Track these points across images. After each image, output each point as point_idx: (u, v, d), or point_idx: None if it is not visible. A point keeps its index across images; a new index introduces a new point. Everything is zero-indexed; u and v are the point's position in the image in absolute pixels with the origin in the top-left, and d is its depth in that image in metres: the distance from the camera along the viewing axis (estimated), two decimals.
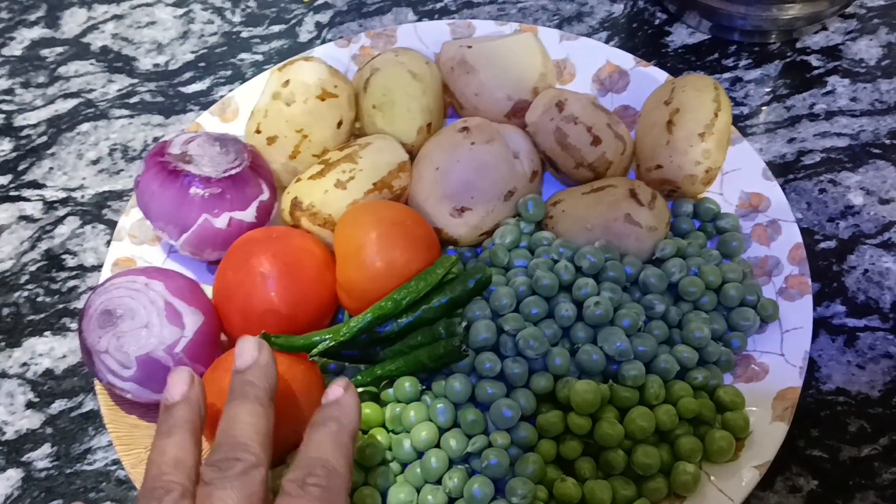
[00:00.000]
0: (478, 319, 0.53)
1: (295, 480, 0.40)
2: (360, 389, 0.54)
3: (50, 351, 0.61)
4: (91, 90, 0.75)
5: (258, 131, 0.61)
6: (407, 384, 0.52)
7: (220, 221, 0.57)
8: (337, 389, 0.44)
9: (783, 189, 0.64)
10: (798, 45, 0.72)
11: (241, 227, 0.58)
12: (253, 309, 0.54)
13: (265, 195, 0.59)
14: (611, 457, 0.50)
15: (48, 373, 0.60)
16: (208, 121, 0.67)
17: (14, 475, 0.56)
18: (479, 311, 0.53)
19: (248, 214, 0.58)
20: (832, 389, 0.56)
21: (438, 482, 0.50)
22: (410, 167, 0.61)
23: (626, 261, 0.56)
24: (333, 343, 0.52)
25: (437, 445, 0.51)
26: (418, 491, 0.50)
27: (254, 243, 0.55)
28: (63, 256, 0.66)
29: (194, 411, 0.43)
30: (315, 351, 0.52)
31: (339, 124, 0.62)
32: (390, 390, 0.53)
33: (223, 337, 0.56)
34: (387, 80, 0.62)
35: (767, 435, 0.51)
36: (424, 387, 0.54)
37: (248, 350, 0.45)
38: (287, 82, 0.61)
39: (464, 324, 0.53)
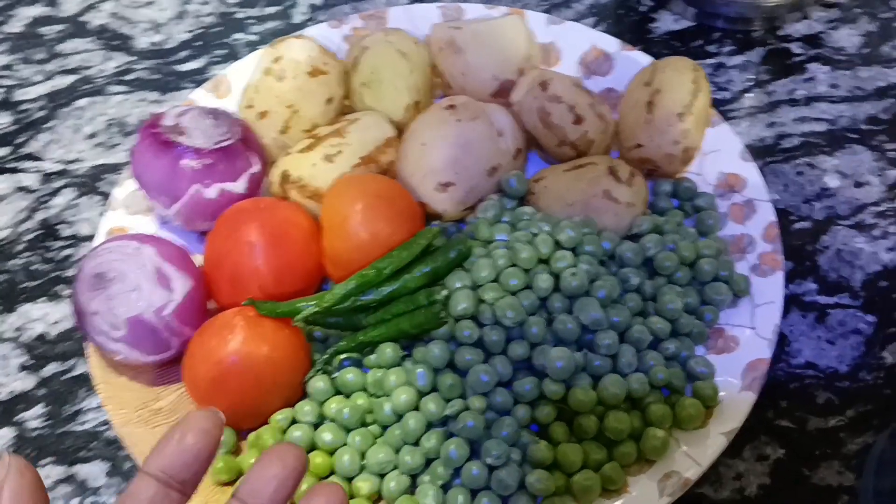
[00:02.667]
0: (458, 289, 0.54)
1: None
2: (343, 355, 0.55)
3: (44, 316, 0.63)
4: (89, 67, 0.77)
5: (250, 106, 0.63)
6: (388, 350, 0.54)
7: (211, 192, 0.58)
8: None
9: (762, 171, 0.65)
10: (780, 32, 0.74)
11: (231, 199, 0.59)
12: (240, 277, 0.56)
13: (255, 167, 0.60)
14: (583, 422, 0.51)
15: (42, 337, 0.62)
16: (202, 97, 0.68)
17: (7, 433, 0.58)
18: (459, 281, 0.55)
19: (239, 186, 0.59)
20: (802, 363, 0.58)
21: (417, 443, 0.52)
22: (397, 143, 0.62)
23: (603, 235, 0.57)
24: (317, 309, 0.54)
25: (417, 409, 0.53)
26: (397, 452, 0.52)
27: (242, 213, 0.57)
28: (58, 226, 0.67)
29: None
30: (299, 316, 0.54)
31: (329, 101, 0.63)
32: (373, 356, 0.55)
33: (211, 304, 0.58)
34: (376, 59, 0.64)
35: (736, 404, 0.53)
36: (406, 353, 0.55)
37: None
38: (278, 59, 0.62)
39: (444, 293, 0.54)
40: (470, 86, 0.65)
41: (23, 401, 0.59)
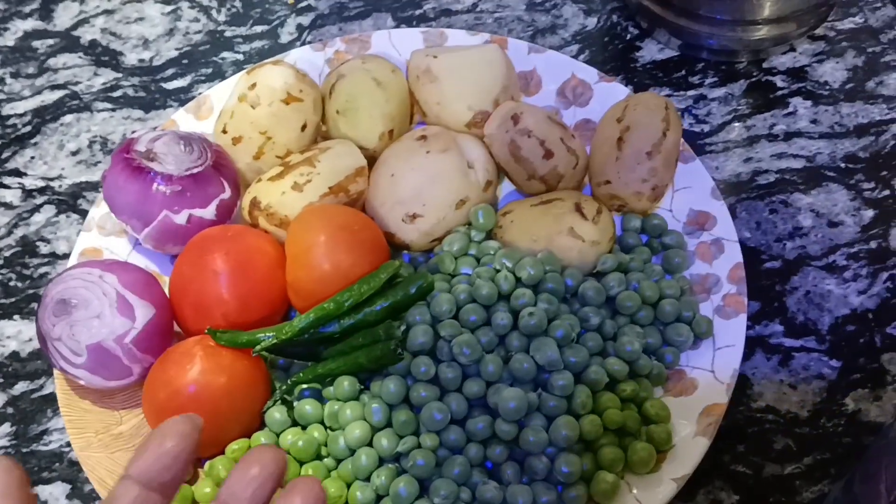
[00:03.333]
0: (416, 324, 0.55)
1: None
2: (304, 386, 0.56)
3: (17, 334, 0.64)
4: (77, 82, 0.78)
5: (224, 131, 0.64)
6: (346, 383, 0.55)
7: (181, 218, 0.59)
8: None
9: (735, 208, 0.65)
10: (765, 65, 0.73)
11: (201, 224, 0.60)
12: (204, 304, 0.56)
13: (226, 194, 0.61)
14: (534, 463, 0.52)
15: (14, 355, 0.63)
16: (183, 118, 0.69)
17: None
18: (419, 315, 0.55)
19: (209, 212, 0.60)
20: (762, 407, 0.57)
21: (368, 479, 0.53)
22: (368, 172, 0.63)
23: (567, 273, 0.57)
24: (276, 340, 0.54)
25: (370, 444, 0.53)
26: (349, 487, 0.53)
27: (209, 240, 0.58)
28: (37, 243, 0.68)
29: None
30: (258, 347, 0.55)
31: (304, 127, 0.64)
32: (332, 388, 0.55)
33: (177, 328, 0.59)
34: (351, 87, 0.64)
35: (690, 449, 0.53)
36: (364, 386, 0.56)
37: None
38: (254, 85, 0.63)
39: (402, 327, 0.55)
40: (444, 115, 0.65)
41: None
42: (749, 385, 0.58)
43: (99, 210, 0.64)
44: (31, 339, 0.63)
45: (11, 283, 0.66)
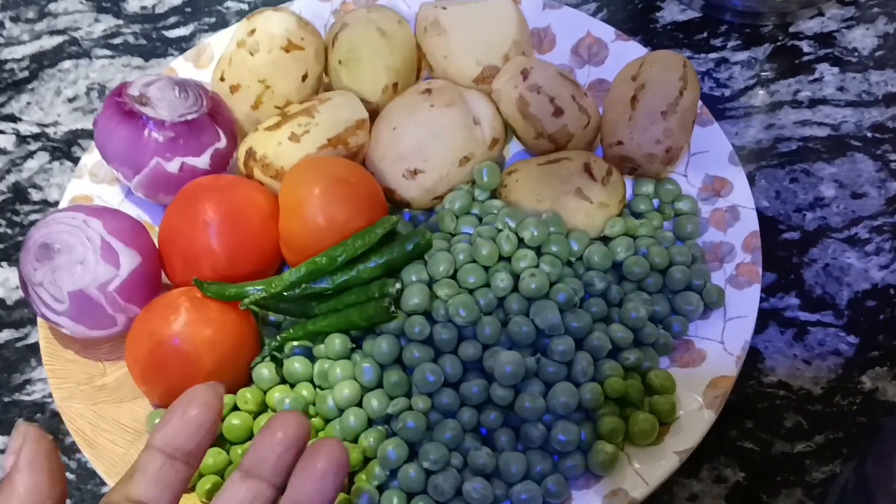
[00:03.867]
0: (412, 283, 0.52)
1: None
2: (293, 343, 0.54)
3: (4, 281, 0.62)
4: (77, 28, 0.75)
5: (222, 79, 0.61)
6: (337, 341, 0.52)
7: (172, 166, 0.57)
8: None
9: (754, 176, 0.62)
10: (791, 29, 0.70)
11: (194, 173, 0.58)
12: (193, 255, 0.54)
13: (222, 143, 0.58)
14: (530, 430, 0.49)
15: (0, 302, 0.61)
16: (182, 66, 0.67)
17: None
18: (414, 274, 0.53)
19: (202, 161, 0.58)
20: (773, 382, 0.55)
21: (356, 440, 0.50)
22: (369, 125, 0.60)
23: (572, 235, 0.55)
24: (265, 294, 0.52)
25: (360, 405, 0.51)
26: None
27: (200, 190, 0.55)
28: (29, 190, 0.66)
29: None
30: (247, 301, 0.52)
31: (304, 77, 0.61)
32: (323, 346, 0.53)
33: (165, 279, 0.56)
34: (354, 37, 0.61)
35: (695, 422, 0.50)
36: (356, 345, 0.53)
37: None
38: (253, 31, 0.60)
39: (398, 286, 0.52)
40: (452, 69, 0.62)
41: None
42: (761, 359, 0.55)
43: (91, 157, 0.62)
44: (17, 287, 0.62)
45: (1, 230, 0.64)
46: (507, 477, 0.48)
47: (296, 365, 0.53)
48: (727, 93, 0.67)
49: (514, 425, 0.51)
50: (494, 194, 0.59)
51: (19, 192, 0.66)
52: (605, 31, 0.65)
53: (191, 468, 0.31)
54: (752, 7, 0.69)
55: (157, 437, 0.31)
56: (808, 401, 0.54)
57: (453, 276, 0.53)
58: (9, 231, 0.64)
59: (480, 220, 0.57)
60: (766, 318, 0.57)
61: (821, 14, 0.70)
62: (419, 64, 0.65)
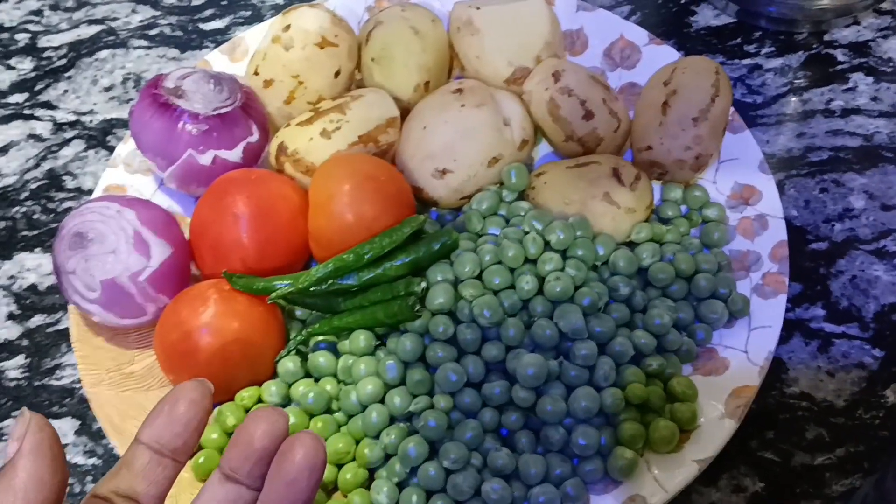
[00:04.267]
0: (437, 282, 0.53)
1: None
2: (319, 338, 0.54)
3: (38, 267, 0.63)
4: (115, 18, 0.76)
5: (256, 73, 0.62)
6: (362, 338, 0.53)
7: (205, 158, 0.58)
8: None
9: (784, 185, 0.62)
10: (826, 37, 0.69)
11: (226, 166, 0.58)
12: (223, 247, 0.55)
13: (254, 137, 0.59)
14: (550, 433, 0.50)
15: (32, 287, 0.62)
16: (217, 59, 0.68)
17: None
18: (440, 274, 0.53)
19: (234, 154, 0.58)
20: (796, 393, 0.55)
21: (377, 437, 0.51)
22: (400, 123, 0.60)
23: (598, 240, 0.55)
24: (293, 289, 0.53)
25: (382, 401, 0.52)
26: (357, 443, 0.51)
27: (231, 183, 0.56)
28: (64, 177, 0.67)
29: None
30: (274, 295, 0.53)
31: (337, 74, 0.62)
32: (347, 342, 0.54)
33: (195, 270, 0.57)
34: (388, 35, 0.62)
35: (715, 431, 0.50)
36: (380, 342, 0.54)
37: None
38: (288, 27, 0.61)
39: (423, 284, 0.52)
40: (483, 69, 0.63)
41: (6, 350, 0.60)
42: (784, 369, 0.55)
43: (126, 147, 0.63)
44: (50, 273, 0.63)
45: (35, 216, 0.66)
46: (527, 479, 0.49)
47: (320, 360, 0.53)
48: (759, 100, 0.67)
49: (534, 427, 0.51)
50: (522, 196, 0.59)
51: (54, 179, 0.67)
52: (639, 35, 0.65)
53: (178, 464, 0.31)
54: (787, 14, 0.69)
55: (145, 433, 0.30)
56: (831, 413, 0.54)
57: (479, 277, 0.53)
58: (43, 217, 0.65)
59: (507, 221, 0.57)
60: (790, 328, 0.57)
61: (856, 23, 0.69)
62: (451, 63, 0.66)
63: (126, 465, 0.30)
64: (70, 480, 0.54)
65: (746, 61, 0.69)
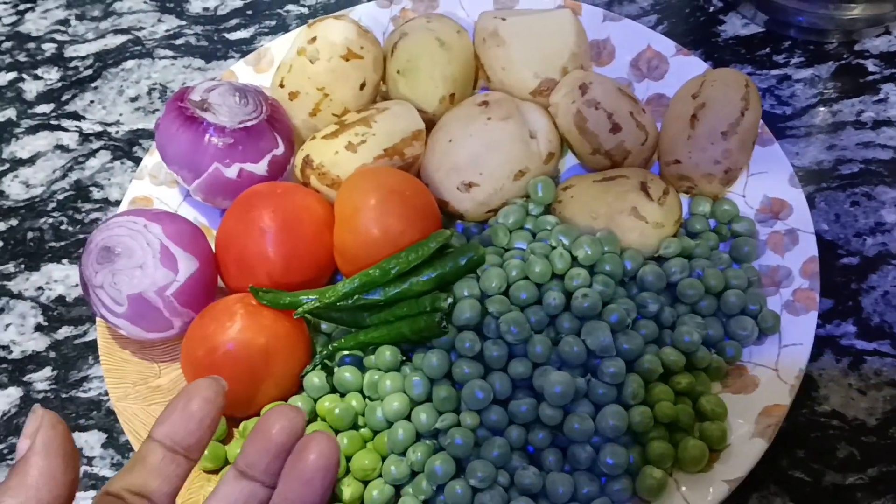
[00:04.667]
0: (464, 298, 0.52)
1: None
2: (344, 353, 0.54)
3: (65, 278, 0.63)
4: (141, 28, 0.77)
5: (282, 85, 0.62)
6: (388, 353, 0.53)
7: (231, 171, 0.58)
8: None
9: (814, 198, 0.61)
10: (857, 47, 0.68)
11: (252, 179, 0.58)
12: (248, 261, 0.55)
13: (280, 149, 0.59)
14: (577, 452, 0.49)
15: (60, 299, 0.62)
16: (242, 70, 0.68)
17: (14, 393, 0.59)
18: (467, 289, 0.53)
19: (260, 167, 0.58)
20: (827, 411, 0.54)
21: (403, 454, 0.51)
22: (425, 136, 0.60)
23: (626, 255, 0.54)
24: (318, 304, 0.53)
25: (409, 418, 0.51)
26: (384, 460, 0.51)
27: (257, 197, 0.56)
28: (90, 188, 0.68)
29: None
30: (301, 310, 0.53)
31: (363, 86, 0.61)
32: (373, 357, 0.54)
33: (221, 283, 0.57)
34: (413, 46, 0.61)
35: (745, 450, 0.49)
36: (406, 357, 0.54)
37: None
38: (314, 39, 0.61)
39: (449, 300, 0.52)
40: (509, 81, 0.62)
41: (34, 362, 0.60)
42: (815, 387, 0.55)
43: (152, 158, 0.63)
44: (77, 285, 0.63)
45: (62, 227, 0.66)
46: (554, 498, 0.48)
47: (346, 375, 0.53)
48: (788, 111, 0.66)
49: (561, 446, 0.50)
50: (549, 209, 0.59)
51: (81, 190, 0.67)
52: (666, 45, 0.65)
53: (191, 462, 0.31)
54: (818, 24, 0.68)
55: (158, 430, 0.31)
56: (862, 432, 0.53)
57: (505, 293, 0.53)
58: (70, 228, 0.66)
59: (534, 235, 0.57)
60: (821, 345, 0.56)
61: (888, 32, 0.68)
62: (476, 74, 0.65)
63: (139, 461, 0.30)
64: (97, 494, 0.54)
65: (775, 72, 0.68)
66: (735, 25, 0.71)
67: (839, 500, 0.51)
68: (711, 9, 0.72)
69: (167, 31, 0.76)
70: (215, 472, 0.52)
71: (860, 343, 0.56)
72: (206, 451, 0.51)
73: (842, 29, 0.68)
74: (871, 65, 0.67)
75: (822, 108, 0.66)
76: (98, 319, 0.57)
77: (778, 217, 0.57)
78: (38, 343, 0.61)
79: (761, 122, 0.59)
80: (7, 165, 0.69)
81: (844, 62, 0.68)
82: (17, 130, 0.71)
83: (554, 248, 0.54)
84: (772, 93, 0.67)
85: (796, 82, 0.67)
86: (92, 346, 0.60)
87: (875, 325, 0.57)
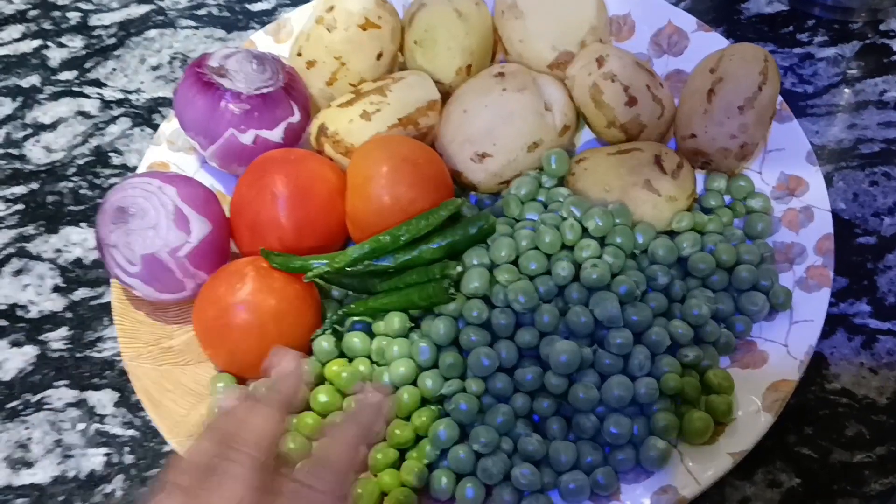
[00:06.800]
0: (473, 266, 0.52)
1: (298, 481, 0.37)
2: (354, 318, 0.55)
3: (83, 241, 0.64)
4: None
5: (299, 54, 0.62)
6: (396, 319, 0.53)
7: (246, 138, 0.58)
8: (375, 395, 0.43)
9: (832, 176, 0.61)
10: (882, 27, 0.67)
11: (267, 146, 0.59)
12: (260, 226, 0.55)
13: (295, 117, 0.59)
14: (582, 421, 0.49)
15: (77, 261, 0.63)
16: (262, 40, 0.68)
17: (30, 352, 0.60)
18: (476, 258, 0.53)
19: (275, 134, 0.59)
20: (837, 389, 0.53)
21: (408, 418, 0.51)
22: (440, 107, 0.60)
23: (638, 228, 0.54)
24: (329, 268, 0.53)
25: (415, 383, 0.52)
26: (388, 424, 0.51)
27: (270, 162, 0.56)
28: (110, 154, 0.68)
29: (232, 420, 0.40)
30: (311, 274, 0.53)
31: (379, 56, 0.61)
32: (382, 323, 0.54)
33: (234, 248, 0.58)
34: (431, 17, 0.61)
35: (751, 424, 0.49)
36: (414, 325, 0.54)
37: (280, 361, 0.44)
38: (332, 8, 0.61)
39: (459, 268, 0.52)
40: (527, 54, 0.62)
41: (50, 321, 0.61)
42: (825, 365, 0.54)
43: (170, 125, 0.64)
44: (94, 248, 0.64)
45: (82, 192, 0.67)
46: (557, 465, 0.48)
47: (355, 340, 0.54)
48: (810, 90, 0.65)
49: (566, 415, 0.51)
50: (562, 182, 0.59)
51: (101, 156, 0.68)
52: (687, 21, 0.64)
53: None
54: (843, 2, 0.67)
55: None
56: (872, 410, 0.52)
57: (515, 262, 0.53)
58: (89, 193, 0.67)
59: (546, 207, 0.57)
60: (834, 323, 0.55)
61: None
62: (495, 46, 0.65)
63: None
64: (108, 451, 0.55)
65: (798, 50, 0.67)
66: (759, 3, 0.70)
67: (846, 477, 0.51)
68: None
69: (190, 1, 0.77)
70: None
71: (874, 322, 0.55)
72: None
73: (867, 8, 0.67)
74: (895, 45, 0.66)
75: (844, 88, 0.65)
76: (113, 281, 0.57)
77: (794, 194, 0.57)
78: (56, 303, 0.61)
79: (780, 99, 0.58)
80: (29, 130, 0.70)
81: (869, 42, 0.67)
82: (41, 96, 0.72)
83: (565, 219, 0.54)
84: (794, 71, 0.66)
85: (819, 61, 0.66)
86: (107, 308, 0.61)
87: (889, 304, 0.56)
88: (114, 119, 0.70)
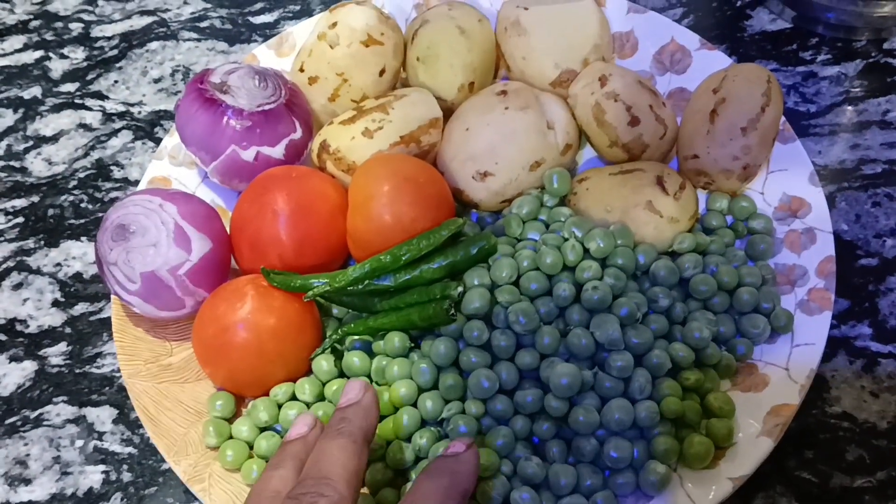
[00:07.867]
0: (474, 287, 0.52)
1: None
2: (354, 338, 0.54)
3: (83, 255, 0.64)
4: (166, 10, 0.77)
5: (301, 70, 0.62)
6: (396, 339, 0.53)
7: (248, 154, 0.58)
8: (459, 446, 0.44)
9: (834, 197, 0.61)
10: (886, 45, 0.67)
11: (268, 162, 0.59)
12: (261, 243, 0.55)
13: (297, 134, 0.59)
14: (582, 444, 0.49)
15: (77, 276, 0.63)
16: (264, 54, 0.68)
17: (29, 367, 0.59)
18: (477, 278, 0.53)
19: (277, 151, 0.59)
20: (838, 413, 0.53)
21: (409, 439, 0.51)
22: (442, 124, 0.60)
23: (639, 249, 0.54)
24: (329, 288, 0.53)
25: (415, 405, 0.51)
26: (388, 444, 0.51)
27: (272, 179, 0.56)
28: (111, 167, 0.68)
29: (307, 448, 0.42)
30: (311, 293, 0.53)
31: (382, 72, 0.61)
32: (382, 342, 0.54)
33: (234, 265, 0.58)
34: (434, 34, 0.61)
35: (752, 449, 0.49)
36: (414, 344, 0.54)
37: (353, 390, 0.44)
38: (334, 24, 0.61)
39: (460, 289, 0.52)
40: (529, 71, 0.62)
41: (49, 336, 0.61)
42: (826, 388, 0.54)
43: (172, 139, 0.64)
44: (94, 262, 0.64)
45: (82, 205, 0.67)
46: (556, 489, 0.48)
47: (354, 359, 0.53)
48: (813, 109, 0.65)
49: (566, 437, 0.50)
50: (563, 201, 0.58)
51: (102, 169, 0.68)
52: (690, 39, 0.64)
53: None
54: (846, 21, 0.67)
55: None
56: (873, 435, 0.52)
57: (516, 283, 0.53)
58: (90, 207, 0.66)
59: (547, 226, 0.57)
60: (835, 346, 0.55)
61: None
62: (497, 63, 0.65)
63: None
64: (106, 468, 0.55)
65: (801, 68, 0.67)
66: (762, 20, 0.70)
67: (846, 502, 0.50)
68: (739, 3, 0.71)
69: (192, 13, 0.77)
70: (217, 448, 0.53)
71: (875, 345, 0.55)
72: (210, 429, 0.52)
73: (871, 27, 0.67)
74: None
75: (847, 107, 0.65)
76: (113, 297, 0.57)
77: (796, 215, 0.57)
78: (55, 318, 0.61)
79: (783, 118, 0.58)
80: (31, 142, 0.70)
81: (872, 61, 0.67)
82: (42, 108, 0.72)
83: (566, 239, 0.54)
84: (796, 90, 0.66)
85: (822, 80, 0.66)
86: (107, 323, 0.61)
87: (891, 327, 0.56)
88: (115, 132, 0.70)
